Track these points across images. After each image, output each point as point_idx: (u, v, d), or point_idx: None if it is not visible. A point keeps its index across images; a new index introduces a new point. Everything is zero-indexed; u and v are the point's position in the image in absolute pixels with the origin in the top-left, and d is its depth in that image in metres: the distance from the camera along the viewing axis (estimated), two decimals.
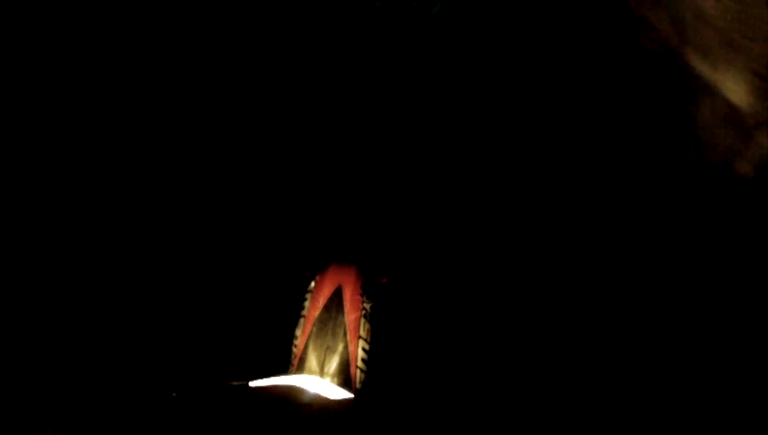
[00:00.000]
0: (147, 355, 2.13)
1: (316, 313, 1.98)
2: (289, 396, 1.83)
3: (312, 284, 2.05)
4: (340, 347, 1.93)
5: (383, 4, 2.32)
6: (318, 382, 1.86)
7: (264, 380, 1.85)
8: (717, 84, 1.88)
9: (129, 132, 2.40)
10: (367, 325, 2.00)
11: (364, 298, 2.03)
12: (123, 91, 2.40)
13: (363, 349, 1.96)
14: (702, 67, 1.89)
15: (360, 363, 1.94)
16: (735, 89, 1.84)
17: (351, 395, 1.85)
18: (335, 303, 1.99)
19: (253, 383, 1.84)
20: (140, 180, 2.35)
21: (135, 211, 2.31)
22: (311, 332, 1.96)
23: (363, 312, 2.00)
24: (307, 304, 2.02)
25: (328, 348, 1.93)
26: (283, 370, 1.94)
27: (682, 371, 1.96)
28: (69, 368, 2.10)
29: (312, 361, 1.92)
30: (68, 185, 2.32)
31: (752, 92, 1.82)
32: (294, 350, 1.96)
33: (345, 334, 1.95)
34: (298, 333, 1.98)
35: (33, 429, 1.93)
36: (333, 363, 1.91)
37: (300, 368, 1.91)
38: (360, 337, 1.97)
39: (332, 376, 1.89)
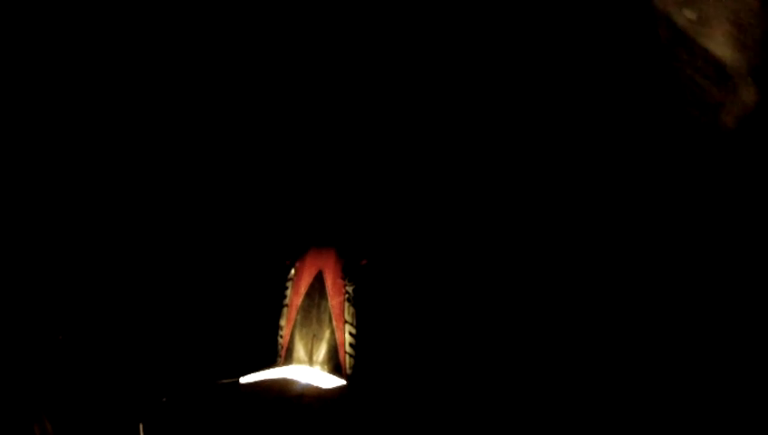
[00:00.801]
0: (129, 354, 2.10)
1: (299, 301, 1.95)
2: (281, 389, 1.84)
3: (292, 271, 2.01)
4: (327, 334, 1.92)
5: None
6: (308, 372, 1.86)
7: (255, 374, 1.85)
8: (699, 36, 1.79)
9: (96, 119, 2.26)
10: (351, 309, 1.97)
11: (346, 281, 1.99)
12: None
13: (350, 333, 1.95)
14: (682, 19, 1.79)
15: (348, 348, 1.94)
16: (717, 40, 1.76)
17: (342, 381, 1.87)
18: (317, 289, 1.96)
19: (243, 379, 1.84)
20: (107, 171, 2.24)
21: (104, 205, 2.22)
22: (295, 321, 1.93)
23: (346, 296, 1.98)
24: (289, 292, 1.98)
25: (314, 336, 1.91)
26: (271, 362, 1.92)
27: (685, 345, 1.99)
28: (64, 361, 2.08)
29: (300, 350, 1.90)
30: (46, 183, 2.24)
31: (733, 44, 1.75)
32: (281, 341, 1.94)
33: (330, 320, 1.93)
34: (282, 323, 1.96)
35: (31, 421, 1.93)
36: (321, 351, 1.90)
37: (288, 359, 1.90)
38: (345, 322, 1.95)
39: (322, 364, 1.89)
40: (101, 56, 2.25)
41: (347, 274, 2.01)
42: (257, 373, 1.84)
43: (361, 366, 1.94)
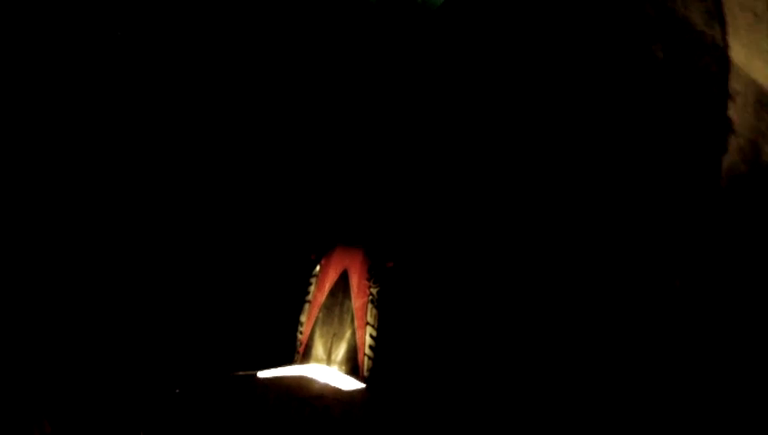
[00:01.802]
0: (149, 346, 2.06)
1: (322, 298, 1.92)
2: (298, 387, 1.80)
3: (317, 267, 1.97)
4: (348, 334, 1.88)
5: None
6: (326, 371, 1.82)
7: (272, 370, 1.80)
8: (749, 68, 1.78)
9: (125, 120, 2.27)
10: (374, 311, 1.94)
11: (371, 283, 1.96)
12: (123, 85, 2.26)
13: (371, 335, 1.92)
14: (735, 51, 1.79)
15: (367, 350, 1.90)
16: (763, 70, 1.75)
17: (360, 384, 1.83)
18: (341, 288, 1.92)
19: (261, 374, 1.80)
20: (137, 165, 2.21)
21: (132, 198, 2.21)
22: (317, 318, 1.89)
23: (370, 297, 1.94)
24: (312, 288, 1.95)
25: (335, 335, 1.87)
26: (289, 357, 1.89)
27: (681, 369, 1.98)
28: (68, 362, 2.04)
29: (319, 348, 1.86)
30: (64, 181, 2.20)
31: None
32: (300, 336, 1.90)
33: (352, 321, 1.89)
34: (303, 319, 1.92)
35: (31, 423, 1.88)
36: (341, 351, 1.86)
37: (306, 356, 1.86)
38: (367, 323, 1.92)
39: (340, 364, 1.85)
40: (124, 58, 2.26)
41: (372, 275, 1.98)
42: (275, 369, 1.80)
43: (380, 369, 1.91)
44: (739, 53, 1.80)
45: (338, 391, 1.77)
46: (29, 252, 2.10)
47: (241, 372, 1.80)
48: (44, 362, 1.96)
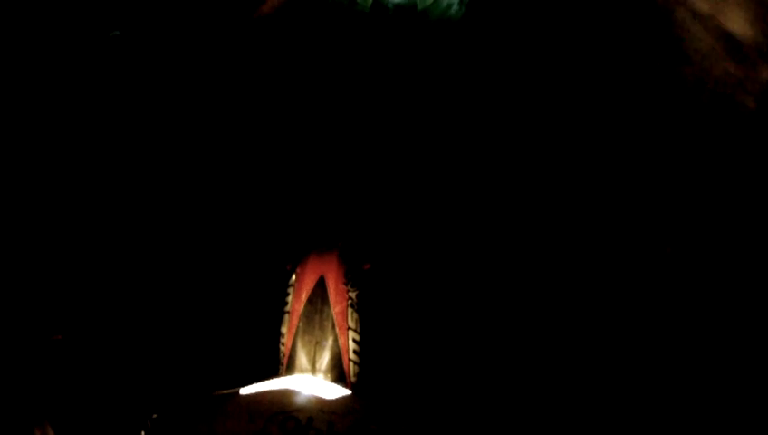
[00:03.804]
0: (128, 361, 2.08)
1: (300, 307, 1.90)
2: (280, 400, 1.78)
3: (293, 277, 1.96)
4: (330, 341, 1.86)
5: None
6: (310, 381, 1.80)
7: (255, 385, 1.79)
8: (717, 13, 1.71)
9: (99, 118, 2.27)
10: (355, 315, 1.92)
11: (349, 287, 1.94)
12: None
13: (354, 340, 1.89)
14: None
15: (352, 356, 1.88)
16: (736, 18, 1.67)
17: (346, 391, 1.80)
18: (319, 295, 1.91)
19: (243, 390, 1.78)
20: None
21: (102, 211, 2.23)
22: (297, 328, 1.88)
23: (349, 301, 1.92)
24: (290, 298, 1.94)
25: (317, 343, 1.86)
26: (273, 370, 1.87)
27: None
28: (66, 365, 2.06)
29: (302, 358, 1.85)
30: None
31: (753, 21, 1.66)
32: (282, 348, 1.89)
33: (333, 327, 1.88)
34: (284, 330, 1.91)
35: (32, 426, 1.91)
36: (325, 359, 1.85)
37: (290, 367, 1.85)
38: (349, 328, 1.90)
39: (325, 372, 1.84)
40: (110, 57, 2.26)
41: (350, 279, 1.95)
42: (258, 384, 1.79)
43: (366, 373, 1.88)
44: None
45: (322, 401, 1.74)
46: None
47: (223, 391, 1.78)
48: (44, 364, 2.00)
